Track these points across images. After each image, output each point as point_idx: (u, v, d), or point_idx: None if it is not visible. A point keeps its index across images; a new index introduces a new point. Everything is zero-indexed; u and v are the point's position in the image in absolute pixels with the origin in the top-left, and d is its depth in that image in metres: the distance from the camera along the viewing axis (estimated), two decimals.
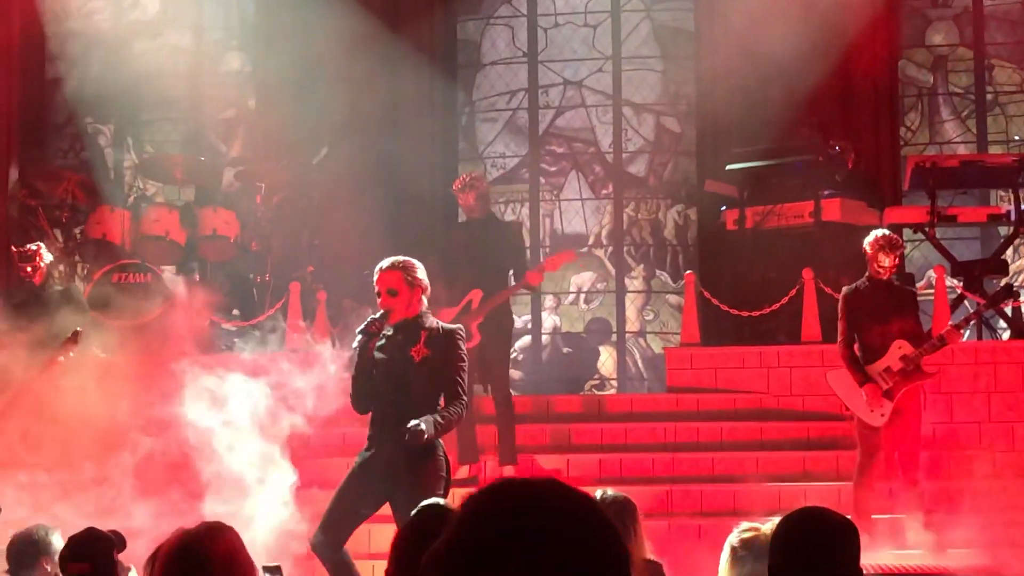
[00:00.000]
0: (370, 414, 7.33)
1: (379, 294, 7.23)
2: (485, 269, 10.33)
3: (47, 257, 11.04)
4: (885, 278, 9.24)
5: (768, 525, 4.86)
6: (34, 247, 11.10)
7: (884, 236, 9.35)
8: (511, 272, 10.37)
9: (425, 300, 7.30)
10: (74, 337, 10.15)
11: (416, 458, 7.04)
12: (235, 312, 12.84)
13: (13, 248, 11.40)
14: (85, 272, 13.02)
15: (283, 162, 13.78)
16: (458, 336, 7.25)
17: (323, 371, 8.60)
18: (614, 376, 15.33)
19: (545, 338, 15.63)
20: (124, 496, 9.10)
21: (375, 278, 7.27)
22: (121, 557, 5.12)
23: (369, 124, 13.79)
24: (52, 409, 10.04)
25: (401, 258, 7.34)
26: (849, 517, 4.45)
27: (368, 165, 13.80)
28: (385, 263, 7.26)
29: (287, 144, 14.15)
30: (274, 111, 14.59)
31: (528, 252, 12.54)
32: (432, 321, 7.28)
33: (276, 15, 14.89)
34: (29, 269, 10.97)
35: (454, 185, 10.79)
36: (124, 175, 16.00)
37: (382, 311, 7.23)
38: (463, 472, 10.20)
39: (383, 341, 7.30)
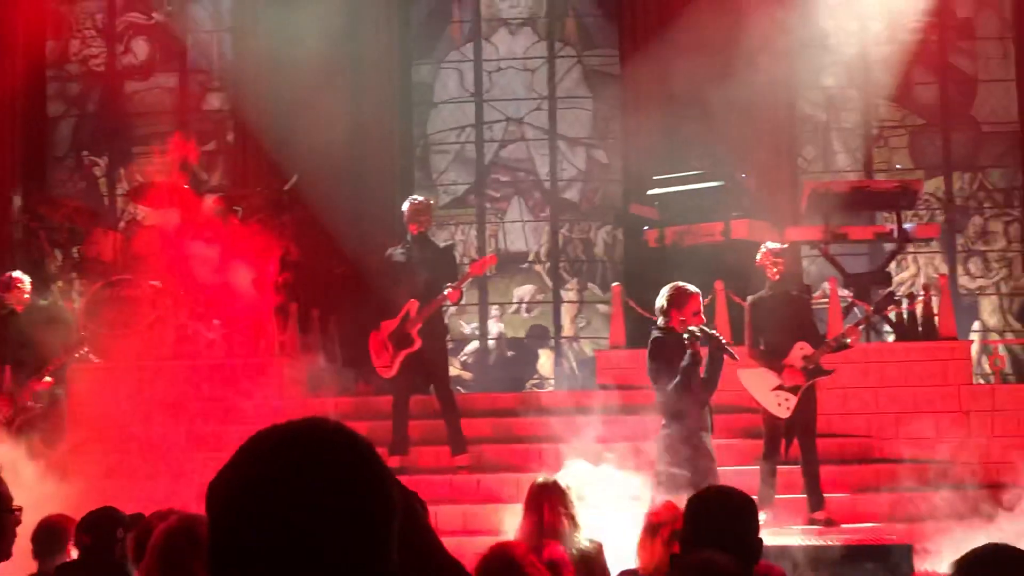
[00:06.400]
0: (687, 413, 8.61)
1: (696, 313, 8.66)
2: (423, 283, 10.65)
3: (27, 285, 11.31)
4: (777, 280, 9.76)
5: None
6: (15, 276, 11.36)
7: (775, 248, 9.84)
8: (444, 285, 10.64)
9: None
10: (79, 341, 10.82)
11: None
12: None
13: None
14: (81, 288, 13.24)
15: (258, 188, 14.02)
16: None
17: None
18: (551, 376, 15.62)
19: (491, 343, 15.83)
20: None
21: (686, 299, 8.66)
22: None
23: (335, 155, 14.00)
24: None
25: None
26: (755, 498, 4.43)
27: (334, 191, 14.07)
28: (696, 288, 8.78)
29: (261, 172, 14.45)
30: (250, 144, 14.89)
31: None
32: None
33: (252, 58, 15.15)
34: (11, 300, 11.21)
35: (409, 207, 10.85)
36: (117, 201, 16.31)
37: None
38: (393, 462, 10.25)
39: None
